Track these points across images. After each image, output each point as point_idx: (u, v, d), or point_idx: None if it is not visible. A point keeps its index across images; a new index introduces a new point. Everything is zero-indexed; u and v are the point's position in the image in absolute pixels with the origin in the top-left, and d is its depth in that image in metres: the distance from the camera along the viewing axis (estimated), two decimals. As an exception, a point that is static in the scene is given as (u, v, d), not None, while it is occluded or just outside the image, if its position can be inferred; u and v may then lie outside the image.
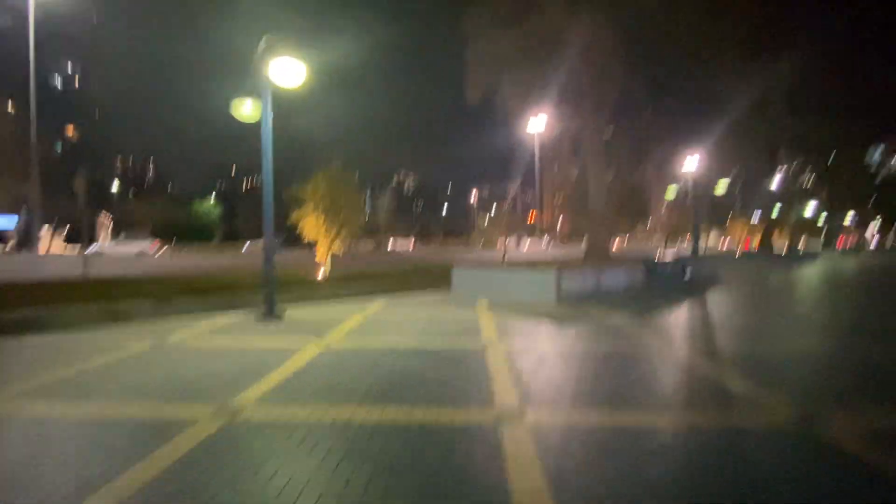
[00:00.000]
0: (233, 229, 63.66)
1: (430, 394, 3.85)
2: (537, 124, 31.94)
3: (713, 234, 71.50)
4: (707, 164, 30.17)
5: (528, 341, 5.84)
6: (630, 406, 3.61)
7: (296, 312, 7.96)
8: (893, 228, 76.85)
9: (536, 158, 46.71)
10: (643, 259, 11.25)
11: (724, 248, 42.84)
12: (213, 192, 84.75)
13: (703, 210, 23.32)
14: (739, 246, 39.00)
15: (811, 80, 23.68)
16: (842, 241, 55.25)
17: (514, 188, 52.20)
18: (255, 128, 7.50)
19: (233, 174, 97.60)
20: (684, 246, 33.79)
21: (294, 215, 13.80)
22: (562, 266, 12.17)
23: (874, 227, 74.11)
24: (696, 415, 3.46)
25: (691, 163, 28.40)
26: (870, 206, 55.09)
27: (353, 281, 12.87)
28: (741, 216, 43.90)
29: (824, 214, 46.44)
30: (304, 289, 11.21)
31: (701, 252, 30.14)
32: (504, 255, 20.25)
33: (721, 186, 32.14)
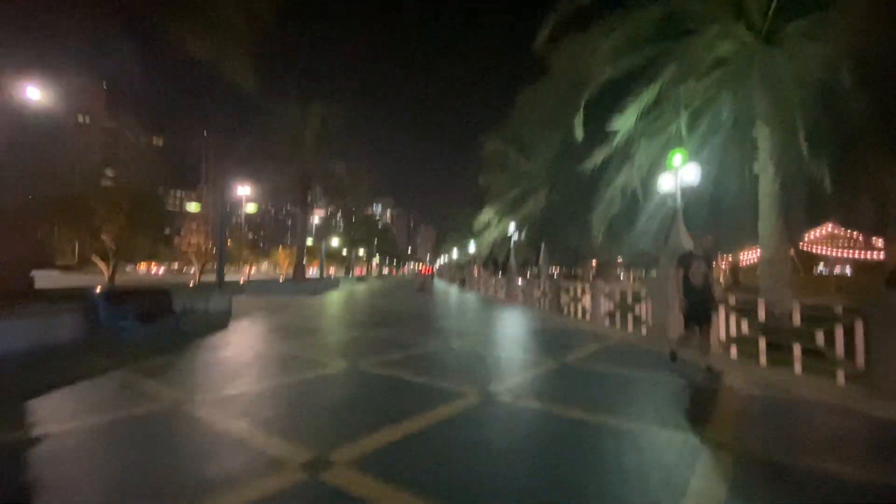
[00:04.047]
0: None
1: None
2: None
3: (265, 262, 75.27)
4: (254, 191, 29.72)
5: None
6: None
7: None
8: (387, 262, 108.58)
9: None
10: (91, 295, 7.09)
11: (277, 275, 44.57)
12: None
13: (226, 233, 21.64)
14: (283, 273, 41.59)
15: (336, 128, 27.69)
16: (358, 270, 71.74)
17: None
18: None
19: None
20: (241, 273, 31.71)
21: None
22: None
23: (375, 260, 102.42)
24: None
25: (238, 188, 26.89)
26: (375, 244, 74.87)
27: None
28: (289, 245, 47.41)
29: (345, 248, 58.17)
30: None
31: (243, 279, 28.68)
32: None
33: (252, 207, 32.55)
